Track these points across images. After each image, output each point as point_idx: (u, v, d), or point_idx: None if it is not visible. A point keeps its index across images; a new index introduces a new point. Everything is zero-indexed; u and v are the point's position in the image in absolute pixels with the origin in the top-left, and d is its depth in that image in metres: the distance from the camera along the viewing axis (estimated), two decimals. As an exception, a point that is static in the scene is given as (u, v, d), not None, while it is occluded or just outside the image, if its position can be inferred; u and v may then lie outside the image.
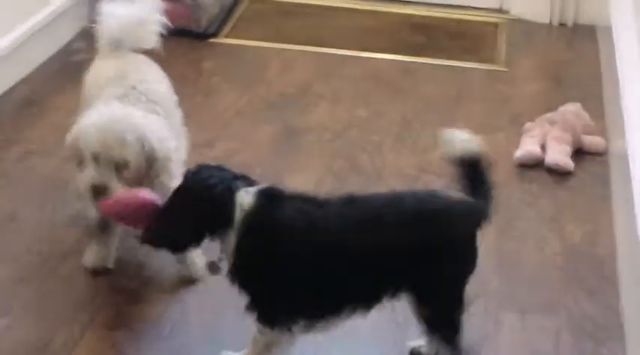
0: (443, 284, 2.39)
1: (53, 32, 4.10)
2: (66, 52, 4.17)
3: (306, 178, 3.34)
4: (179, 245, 2.39)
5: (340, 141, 3.61)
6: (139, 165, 2.52)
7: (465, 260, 2.41)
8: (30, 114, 3.65)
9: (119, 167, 2.50)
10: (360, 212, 2.34)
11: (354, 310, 2.36)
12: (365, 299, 2.37)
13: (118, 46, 2.92)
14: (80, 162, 2.55)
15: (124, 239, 2.89)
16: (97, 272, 2.80)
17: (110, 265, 2.82)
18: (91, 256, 2.81)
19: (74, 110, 3.67)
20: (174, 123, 2.80)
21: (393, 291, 2.37)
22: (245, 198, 2.30)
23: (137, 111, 2.62)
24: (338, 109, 3.85)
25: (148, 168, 2.55)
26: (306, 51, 4.33)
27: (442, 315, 2.42)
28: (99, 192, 2.49)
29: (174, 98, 2.89)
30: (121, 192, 2.47)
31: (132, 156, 2.51)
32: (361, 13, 4.80)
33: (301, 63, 4.22)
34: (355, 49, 4.39)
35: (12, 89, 3.80)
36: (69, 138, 2.61)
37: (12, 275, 2.78)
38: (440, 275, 2.37)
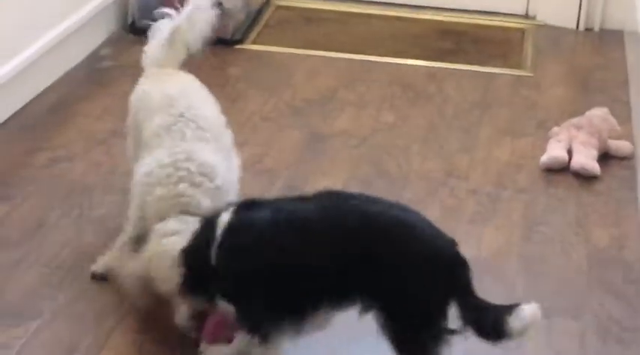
0: (401, 306, 2.26)
1: (81, 39, 4.13)
2: (94, 58, 4.20)
3: (332, 183, 3.34)
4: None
5: (366, 146, 3.62)
6: None
7: (420, 284, 2.25)
8: (57, 121, 3.68)
9: None
10: (319, 213, 2.29)
11: (317, 312, 2.31)
12: (323, 303, 2.30)
13: (162, 65, 2.93)
14: None
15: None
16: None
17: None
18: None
19: (101, 116, 3.73)
20: (223, 145, 2.78)
21: (352, 300, 2.29)
22: (224, 216, 2.34)
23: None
24: (363, 115, 3.85)
25: None
26: (331, 57, 4.35)
27: (401, 340, 2.28)
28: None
29: (222, 119, 2.87)
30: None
31: None
32: (388, 20, 4.80)
33: (327, 69, 4.24)
34: (381, 55, 4.40)
35: (40, 95, 3.84)
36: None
37: (41, 279, 2.80)
38: (396, 295, 2.25)
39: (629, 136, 3.66)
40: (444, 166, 3.49)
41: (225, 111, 3.78)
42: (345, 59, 4.34)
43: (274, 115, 3.83)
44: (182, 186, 2.57)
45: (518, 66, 4.36)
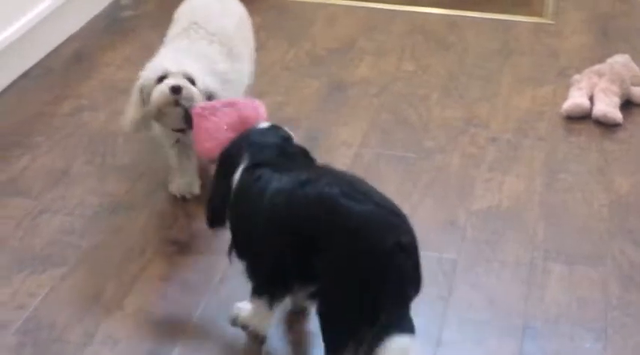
0: (328, 293, 2.18)
1: (101, -12, 4.14)
2: (114, 8, 4.20)
3: (352, 132, 3.35)
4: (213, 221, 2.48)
5: (386, 94, 3.62)
6: None
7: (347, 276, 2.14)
8: (79, 70, 3.69)
9: None
10: (293, 182, 2.24)
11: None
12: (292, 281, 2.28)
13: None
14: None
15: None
16: (185, 199, 2.95)
17: (196, 191, 2.95)
18: (175, 185, 2.96)
19: (122, 65, 3.73)
20: (233, 50, 3.03)
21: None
22: (237, 175, 2.37)
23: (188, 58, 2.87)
24: (383, 63, 3.85)
25: None
26: (351, 6, 4.33)
27: (325, 322, 2.20)
28: (176, 90, 2.74)
29: (241, 30, 3.16)
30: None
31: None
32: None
33: (347, 18, 4.22)
34: (402, 4, 4.38)
35: (61, 45, 3.84)
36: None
37: (65, 227, 2.83)
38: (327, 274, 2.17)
39: (651, 84, 3.65)
40: (464, 114, 3.49)
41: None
42: (365, 8, 4.33)
43: (294, 65, 3.82)
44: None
45: (540, 13, 4.33)
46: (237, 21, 3.17)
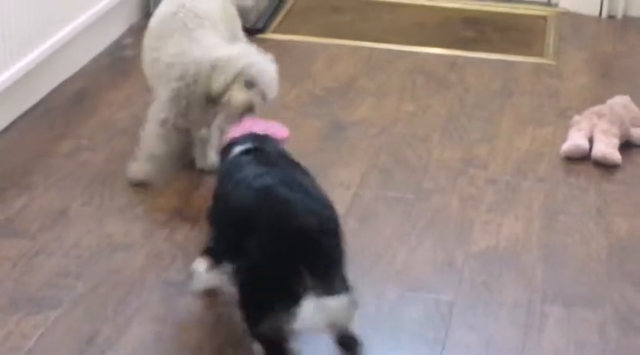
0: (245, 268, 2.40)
1: (103, 28, 4.15)
2: (116, 47, 4.22)
3: (352, 172, 3.35)
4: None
5: (386, 135, 3.62)
6: None
7: (259, 250, 2.35)
8: (80, 109, 3.70)
9: None
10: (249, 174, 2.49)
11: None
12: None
13: None
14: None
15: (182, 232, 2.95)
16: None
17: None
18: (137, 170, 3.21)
19: (123, 105, 3.75)
20: (219, 33, 3.21)
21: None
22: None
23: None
24: (384, 104, 3.85)
25: None
26: (353, 46, 4.35)
27: (242, 295, 2.42)
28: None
29: (225, 13, 3.31)
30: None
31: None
32: (411, 8, 4.80)
33: (348, 58, 4.24)
34: (403, 44, 4.40)
35: (63, 84, 3.86)
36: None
37: (61, 268, 2.82)
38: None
39: (651, 125, 3.65)
40: (463, 155, 3.49)
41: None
42: (367, 48, 4.34)
43: (295, 104, 3.83)
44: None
45: (541, 54, 4.34)
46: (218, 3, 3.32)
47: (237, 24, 3.42)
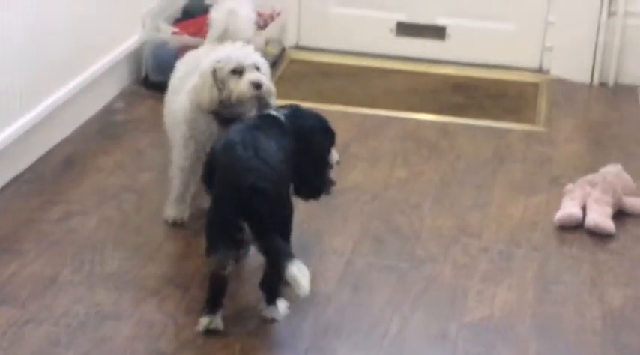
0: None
1: (94, 93, 4.15)
2: (107, 112, 4.21)
3: (344, 240, 3.33)
4: None
5: (378, 202, 3.61)
6: None
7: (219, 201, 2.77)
8: (71, 175, 3.68)
9: None
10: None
11: None
12: None
13: (223, 37, 3.41)
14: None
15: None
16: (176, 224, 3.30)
17: (186, 217, 3.33)
18: (171, 211, 3.36)
19: (114, 170, 3.73)
20: None
21: None
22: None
23: None
24: (376, 170, 3.85)
25: None
26: (345, 111, 4.35)
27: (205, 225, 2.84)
28: (258, 87, 3.10)
29: None
30: None
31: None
32: (401, 74, 4.81)
33: (340, 123, 4.19)
34: (394, 110, 4.40)
35: (54, 149, 3.84)
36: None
37: (50, 338, 2.78)
38: None
39: (643, 194, 3.65)
40: (456, 223, 3.47)
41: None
42: (359, 114, 4.35)
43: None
44: None
45: (532, 121, 4.35)
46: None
47: None
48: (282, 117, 2.97)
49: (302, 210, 3.51)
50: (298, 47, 5.01)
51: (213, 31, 3.47)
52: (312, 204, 3.54)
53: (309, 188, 3.04)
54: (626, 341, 2.88)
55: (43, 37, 3.72)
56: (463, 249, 3.32)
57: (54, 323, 2.84)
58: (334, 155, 3.10)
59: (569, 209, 3.48)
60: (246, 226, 2.69)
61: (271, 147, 2.82)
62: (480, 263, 3.24)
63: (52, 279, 3.05)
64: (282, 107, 3.06)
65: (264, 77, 3.15)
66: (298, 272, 2.62)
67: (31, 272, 3.07)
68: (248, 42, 3.34)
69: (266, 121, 2.96)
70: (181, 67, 3.44)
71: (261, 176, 2.71)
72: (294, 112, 3.02)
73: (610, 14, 4.66)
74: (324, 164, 3.07)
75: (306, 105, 4.32)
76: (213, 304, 2.81)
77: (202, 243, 2.81)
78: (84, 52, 4.05)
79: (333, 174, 3.13)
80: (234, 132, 2.87)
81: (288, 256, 2.64)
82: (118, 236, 3.30)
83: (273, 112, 3.01)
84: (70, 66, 3.96)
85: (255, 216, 2.68)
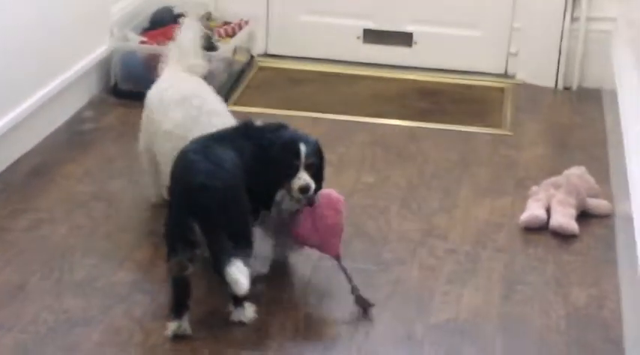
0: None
1: (63, 102, 4.16)
2: (76, 121, 4.22)
3: (312, 244, 3.35)
4: None
5: (345, 207, 3.62)
6: None
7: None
8: (40, 183, 3.69)
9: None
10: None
11: None
12: None
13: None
14: None
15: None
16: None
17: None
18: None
19: (82, 178, 3.74)
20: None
21: None
22: None
23: None
24: (344, 175, 3.87)
25: None
26: (313, 117, 4.38)
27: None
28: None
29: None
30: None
31: None
32: (369, 80, 4.85)
33: (308, 129, 4.14)
34: (362, 115, 4.44)
35: (22, 158, 3.85)
36: None
37: (19, 345, 2.79)
38: None
39: (607, 195, 3.69)
40: (423, 226, 3.51)
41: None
42: (326, 119, 4.38)
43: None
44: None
45: (498, 125, 4.40)
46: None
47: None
48: (253, 128, 3.02)
49: (270, 215, 3.54)
50: (267, 55, 5.04)
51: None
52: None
53: (252, 201, 2.92)
54: (590, 340, 2.92)
55: (10, 47, 3.73)
56: (430, 251, 3.35)
57: (22, 330, 2.84)
58: (299, 180, 2.99)
59: (533, 210, 3.52)
60: (196, 225, 2.73)
61: (225, 153, 2.88)
62: (447, 264, 3.28)
63: (21, 287, 3.05)
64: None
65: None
66: (237, 270, 2.65)
67: (0, 281, 3.08)
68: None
69: (234, 130, 3.03)
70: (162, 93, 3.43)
71: (210, 175, 2.78)
72: (273, 126, 3.04)
73: (573, 19, 4.72)
74: (275, 183, 3.01)
75: (273, 112, 4.41)
76: (178, 308, 2.83)
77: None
78: (52, 61, 4.06)
79: (292, 205, 3.07)
80: (190, 143, 2.96)
81: (229, 255, 2.67)
82: (87, 243, 3.31)
83: (252, 122, 3.05)
84: (38, 75, 3.97)
85: (204, 214, 2.73)
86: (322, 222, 3.05)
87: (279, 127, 3.04)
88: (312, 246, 3.10)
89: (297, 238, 3.09)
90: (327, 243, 3.06)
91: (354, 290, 2.98)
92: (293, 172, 2.96)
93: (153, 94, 3.45)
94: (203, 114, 3.25)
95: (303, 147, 2.98)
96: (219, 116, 3.28)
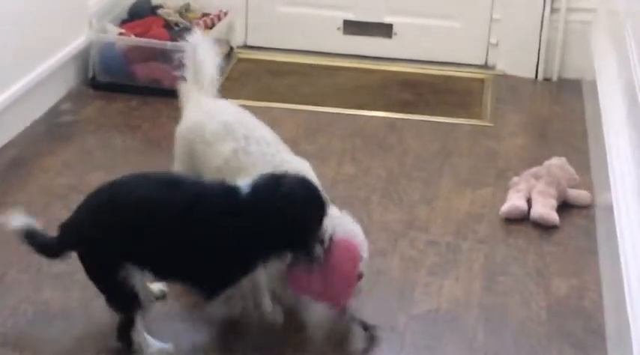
0: None
1: (41, 94, 4.13)
2: (54, 113, 4.19)
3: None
4: None
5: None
6: None
7: None
8: (17, 176, 3.66)
9: None
10: None
11: None
12: None
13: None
14: None
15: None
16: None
17: None
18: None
19: (61, 171, 3.71)
20: None
21: None
22: None
23: None
24: (325, 167, 3.86)
25: None
26: (293, 109, 4.37)
27: None
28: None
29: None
30: None
31: None
32: (349, 71, 4.84)
33: (288, 121, 4.25)
34: (343, 107, 4.42)
35: (0, 150, 3.82)
36: None
37: (-2, 337, 2.78)
38: None
39: (587, 185, 3.69)
40: (404, 217, 3.50)
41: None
42: (306, 111, 4.36)
43: (235, 168, 3.82)
44: None
45: (478, 116, 4.39)
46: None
47: None
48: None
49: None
50: (246, 46, 5.02)
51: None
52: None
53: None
54: (570, 330, 2.92)
55: (-13, 38, 3.71)
56: (411, 242, 3.35)
57: (1, 324, 2.82)
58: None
59: (514, 201, 3.52)
60: None
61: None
62: (428, 256, 3.27)
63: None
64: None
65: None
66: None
67: (-22, 274, 3.06)
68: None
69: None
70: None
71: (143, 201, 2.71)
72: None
73: (553, 10, 4.72)
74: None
75: (254, 104, 4.38)
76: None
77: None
78: (29, 53, 4.03)
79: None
80: None
81: None
82: (65, 236, 3.28)
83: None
84: (15, 67, 3.94)
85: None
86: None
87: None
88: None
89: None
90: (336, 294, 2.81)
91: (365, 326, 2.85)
92: None
93: (189, 129, 3.12)
94: (252, 144, 3.01)
95: None
96: (270, 145, 3.03)
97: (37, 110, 4.13)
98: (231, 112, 3.15)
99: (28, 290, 2.99)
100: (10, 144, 3.88)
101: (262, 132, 3.07)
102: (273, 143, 3.05)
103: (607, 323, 2.92)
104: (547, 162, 3.71)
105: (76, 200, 3.44)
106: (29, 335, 2.79)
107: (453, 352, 2.81)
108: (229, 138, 3.01)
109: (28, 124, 4.03)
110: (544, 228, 3.45)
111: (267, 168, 2.87)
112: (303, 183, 2.74)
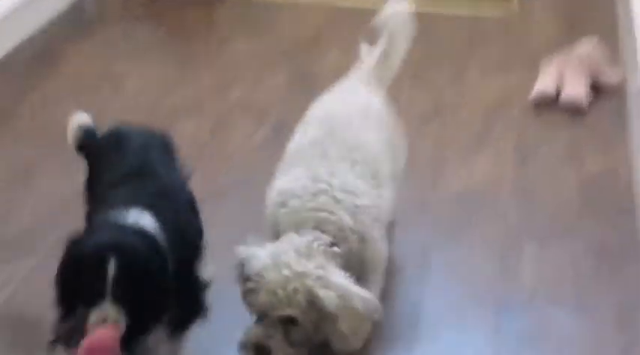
0: None
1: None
2: (78, 6, 4.17)
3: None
4: None
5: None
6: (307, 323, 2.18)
7: None
8: (45, 67, 3.66)
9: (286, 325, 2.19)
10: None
11: None
12: None
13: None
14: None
15: None
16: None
17: None
18: None
19: (87, 62, 3.71)
20: (378, 172, 2.46)
21: None
22: None
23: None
24: (350, 54, 3.83)
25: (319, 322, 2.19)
26: (317, 2, 4.32)
27: None
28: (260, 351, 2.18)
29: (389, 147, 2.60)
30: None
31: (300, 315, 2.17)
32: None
33: (313, 14, 4.22)
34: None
35: (26, 41, 3.81)
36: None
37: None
38: None
39: (618, 67, 3.65)
40: (434, 101, 3.48)
41: (214, 53, 3.82)
42: (330, 5, 4.32)
43: (262, 56, 3.81)
44: (322, 199, 2.30)
45: (507, 6, 4.34)
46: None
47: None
48: None
49: (279, 91, 3.53)
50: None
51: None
52: (288, 86, 3.55)
53: None
54: (603, 207, 2.92)
55: None
56: (439, 124, 3.34)
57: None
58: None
59: (544, 85, 3.49)
60: None
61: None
62: (459, 138, 3.26)
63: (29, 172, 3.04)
64: None
65: None
66: None
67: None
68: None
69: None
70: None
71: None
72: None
73: None
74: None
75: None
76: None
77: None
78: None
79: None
80: None
81: None
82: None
83: None
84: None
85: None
86: None
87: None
88: None
89: None
90: None
91: None
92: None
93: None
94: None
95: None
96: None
97: (61, 2, 4.11)
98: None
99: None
100: (36, 35, 3.87)
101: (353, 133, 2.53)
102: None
103: (638, 201, 2.92)
104: (577, 45, 3.67)
105: (104, 88, 3.48)
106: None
107: (485, 229, 2.82)
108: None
109: (53, 17, 4.02)
110: (575, 110, 3.43)
111: None
112: None
